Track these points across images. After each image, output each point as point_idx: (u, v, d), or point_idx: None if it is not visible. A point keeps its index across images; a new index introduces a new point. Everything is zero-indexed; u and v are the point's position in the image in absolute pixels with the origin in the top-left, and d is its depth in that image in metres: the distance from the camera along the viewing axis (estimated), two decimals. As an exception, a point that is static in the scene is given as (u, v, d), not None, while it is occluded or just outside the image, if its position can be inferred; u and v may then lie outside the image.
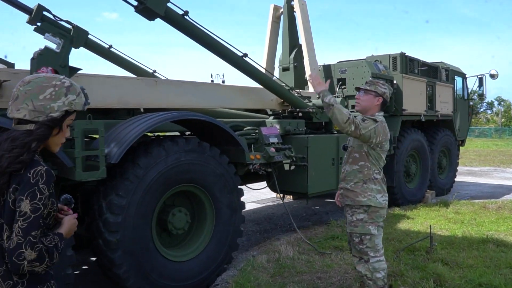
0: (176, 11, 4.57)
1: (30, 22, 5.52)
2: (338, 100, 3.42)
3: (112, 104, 4.52)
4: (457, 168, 9.93)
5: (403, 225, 6.25)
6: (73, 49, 6.01)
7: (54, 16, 5.67)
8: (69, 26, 5.78)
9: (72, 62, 4.02)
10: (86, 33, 5.94)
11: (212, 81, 6.66)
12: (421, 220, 6.53)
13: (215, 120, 4.42)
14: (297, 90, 6.47)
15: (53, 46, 3.86)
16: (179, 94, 5.09)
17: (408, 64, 7.76)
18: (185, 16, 4.64)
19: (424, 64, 8.24)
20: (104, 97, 4.45)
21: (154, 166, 3.90)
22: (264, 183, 6.44)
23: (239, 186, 4.83)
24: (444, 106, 8.81)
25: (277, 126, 5.83)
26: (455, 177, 9.83)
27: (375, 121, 3.23)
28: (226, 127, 4.49)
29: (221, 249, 4.53)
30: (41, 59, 3.68)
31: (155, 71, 6.86)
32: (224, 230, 4.56)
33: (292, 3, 7.43)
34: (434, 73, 8.67)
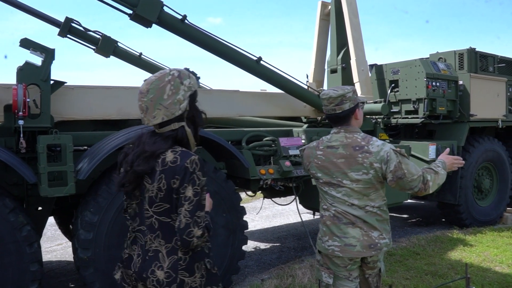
0: (174, 16, 4.33)
1: (61, 34, 5.73)
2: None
3: (111, 115, 4.42)
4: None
5: (454, 254, 5.27)
6: (104, 58, 6.16)
7: (84, 28, 5.86)
8: (98, 36, 5.95)
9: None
10: (114, 42, 6.04)
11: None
12: (481, 248, 5.46)
13: (203, 131, 4.06)
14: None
15: (38, 60, 3.84)
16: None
17: (478, 61, 6.59)
18: (184, 21, 4.37)
19: (503, 60, 6.95)
20: (103, 108, 4.37)
21: (130, 182, 3.68)
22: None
23: (241, 204, 4.43)
24: (534, 110, 7.36)
25: (303, 136, 5.29)
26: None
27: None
28: (218, 139, 4.11)
29: (215, 272, 4.17)
30: (22, 74, 3.66)
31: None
32: (219, 252, 4.19)
33: (340, -2, 6.73)
34: (520, 70, 7.29)
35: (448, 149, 2.83)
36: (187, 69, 1.96)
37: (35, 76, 3.70)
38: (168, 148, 1.85)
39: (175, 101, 1.84)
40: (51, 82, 3.83)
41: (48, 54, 3.76)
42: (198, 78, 1.68)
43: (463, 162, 2.76)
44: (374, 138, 2.52)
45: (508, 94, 7.01)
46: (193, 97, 1.93)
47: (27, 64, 3.72)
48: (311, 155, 2.59)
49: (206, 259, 1.93)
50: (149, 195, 1.84)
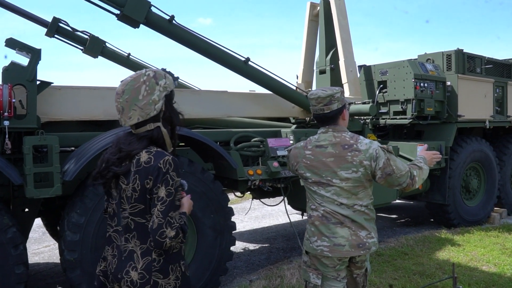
0: (162, 16, 4.32)
1: (48, 34, 5.69)
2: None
3: (98, 116, 4.39)
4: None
5: (442, 253, 5.31)
6: (93, 58, 6.12)
7: (71, 28, 5.82)
8: (86, 36, 5.91)
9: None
10: (103, 42, 6.01)
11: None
12: (469, 248, 5.51)
13: (190, 132, 4.06)
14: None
15: (25, 60, 3.80)
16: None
17: (466, 62, 6.65)
18: (172, 21, 4.36)
19: (490, 61, 7.02)
20: (90, 109, 4.34)
21: (117, 183, 3.67)
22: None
23: (230, 205, 4.43)
24: (520, 110, 7.44)
25: (291, 137, 5.30)
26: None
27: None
28: (205, 139, 4.10)
29: (203, 274, 4.16)
30: (7, 74, 3.63)
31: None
32: (207, 253, 4.18)
33: (329, -1, 6.75)
34: (507, 71, 7.37)
35: (426, 145, 2.94)
36: (164, 70, 1.97)
37: (21, 77, 3.68)
38: (142, 148, 1.84)
39: (150, 101, 1.84)
40: (38, 82, 3.81)
41: (34, 54, 3.73)
42: (176, 78, 1.68)
43: (441, 156, 2.83)
44: (361, 137, 2.55)
45: (495, 95, 7.08)
46: (169, 98, 1.93)
47: (13, 64, 3.69)
48: (299, 155, 2.60)
49: (181, 261, 1.91)
50: (126, 196, 1.84)
